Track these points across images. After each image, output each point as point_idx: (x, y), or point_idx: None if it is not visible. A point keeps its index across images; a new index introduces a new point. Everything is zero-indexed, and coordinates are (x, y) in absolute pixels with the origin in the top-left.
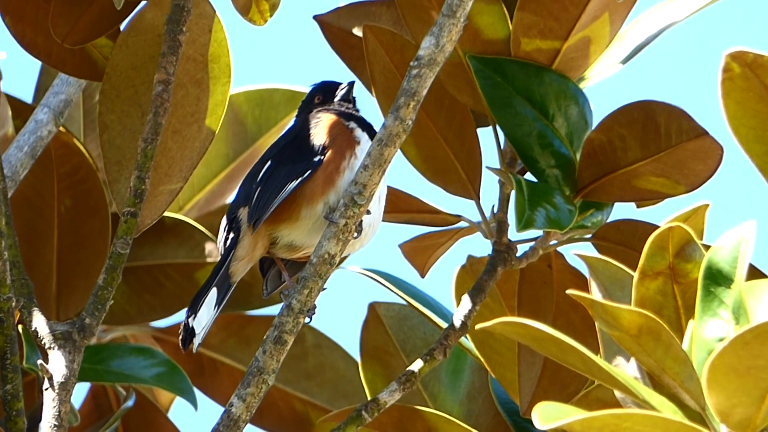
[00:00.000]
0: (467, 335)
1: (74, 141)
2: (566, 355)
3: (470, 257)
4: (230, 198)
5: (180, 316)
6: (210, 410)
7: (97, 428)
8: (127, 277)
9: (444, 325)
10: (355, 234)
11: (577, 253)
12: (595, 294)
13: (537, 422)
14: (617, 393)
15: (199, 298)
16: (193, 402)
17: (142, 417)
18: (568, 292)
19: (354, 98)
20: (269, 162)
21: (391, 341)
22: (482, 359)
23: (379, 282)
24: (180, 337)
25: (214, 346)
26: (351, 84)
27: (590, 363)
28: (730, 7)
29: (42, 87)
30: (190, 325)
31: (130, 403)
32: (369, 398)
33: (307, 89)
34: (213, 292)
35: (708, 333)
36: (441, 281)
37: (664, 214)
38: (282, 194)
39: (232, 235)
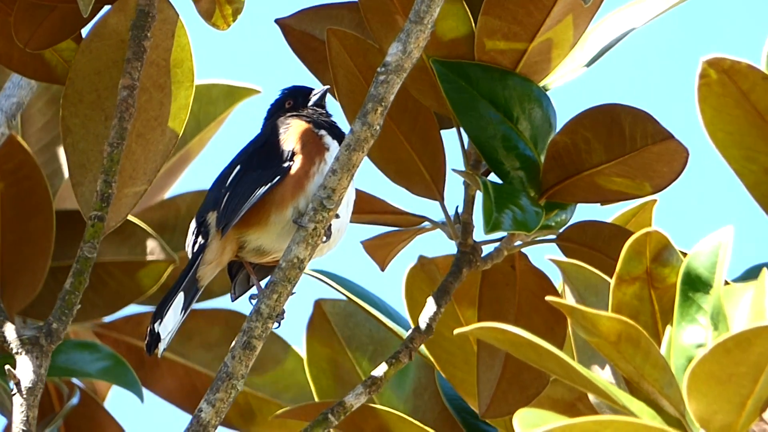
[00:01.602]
0: None
1: (18, 139)
2: (544, 360)
3: (421, 257)
4: (169, 193)
5: (122, 312)
6: (152, 405)
7: (41, 427)
8: (65, 273)
9: (390, 324)
10: (324, 238)
11: (551, 257)
12: (569, 299)
13: (518, 428)
14: (592, 398)
15: (166, 303)
16: (140, 395)
17: (83, 414)
18: (547, 298)
19: (326, 105)
20: (238, 167)
21: (336, 338)
22: (431, 358)
23: (324, 282)
24: (145, 342)
25: None
26: (325, 90)
27: (569, 369)
28: (693, 11)
29: None
30: (156, 330)
31: (75, 400)
32: (315, 395)
33: (245, 84)
34: (180, 297)
35: (686, 339)
36: (395, 281)
37: (619, 207)
38: (251, 200)
39: (200, 239)
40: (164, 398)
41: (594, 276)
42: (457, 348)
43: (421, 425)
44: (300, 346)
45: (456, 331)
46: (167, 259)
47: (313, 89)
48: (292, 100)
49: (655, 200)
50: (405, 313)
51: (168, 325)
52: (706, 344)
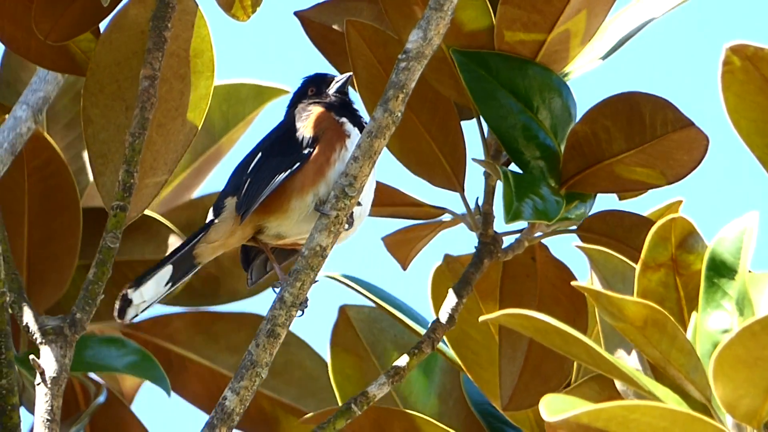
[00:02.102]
0: (444, 337)
1: (45, 135)
2: (570, 346)
3: (447, 256)
4: (197, 193)
5: (149, 313)
6: (177, 408)
7: (68, 425)
8: None
9: (416, 327)
10: (346, 226)
11: (579, 245)
12: (596, 286)
13: (544, 414)
14: (619, 385)
15: (148, 274)
16: (167, 389)
17: (109, 414)
18: (573, 284)
19: (348, 91)
20: (260, 154)
21: (361, 344)
22: (458, 359)
23: (349, 286)
24: (117, 306)
25: (182, 342)
26: (348, 77)
27: (595, 355)
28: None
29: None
30: (129, 297)
31: (101, 398)
32: (339, 401)
33: (275, 84)
34: (167, 269)
35: (712, 324)
36: (416, 281)
37: (644, 206)
38: (271, 186)
39: (210, 218)
40: (190, 401)
41: (621, 263)
42: (483, 348)
43: (446, 427)
44: (325, 352)
45: (481, 318)
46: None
47: (335, 76)
48: (315, 87)
49: (681, 200)
50: (431, 312)
51: (145, 294)
52: (731, 329)
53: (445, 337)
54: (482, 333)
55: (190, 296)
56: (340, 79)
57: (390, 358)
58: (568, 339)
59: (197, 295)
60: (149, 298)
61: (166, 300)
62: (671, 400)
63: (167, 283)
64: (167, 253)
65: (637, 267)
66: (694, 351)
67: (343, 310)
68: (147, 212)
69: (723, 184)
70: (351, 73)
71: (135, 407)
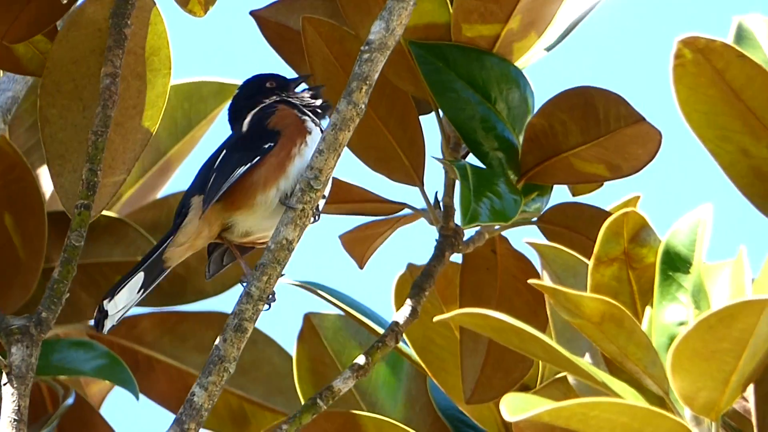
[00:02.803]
0: (407, 341)
1: (6, 140)
2: (527, 344)
3: (410, 265)
4: (162, 193)
5: None
6: (145, 408)
7: (36, 429)
8: None
9: (382, 332)
10: (312, 219)
11: (528, 241)
12: (547, 282)
13: (505, 414)
14: (572, 380)
15: (120, 283)
16: (135, 393)
17: (77, 416)
18: (531, 281)
19: (317, 91)
20: (224, 151)
21: (326, 352)
22: (423, 364)
23: (315, 293)
24: (95, 317)
25: (149, 343)
26: (305, 77)
27: (552, 351)
28: None
29: None
30: (105, 308)
31: (70, 401)
32: None
33: (236, 81)
34: (139, 277)
35: (668, 317)
36: (374, 279)
37: (600, 202)
38: (230, 179)
39: (178, 220)
40: (158, 402)
41: (571, 258)
42: (448, 353)
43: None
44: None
45: (436, 318)
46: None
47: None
48: (274, 81)
49: (639, 196)
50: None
51: (119, 303)
52: (687, 322)
53: (410, 343)
54: (446, 338)
55: (157, 296)
56: (300, 79)
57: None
58: (525, 337)
59: (164, 294)
60: (123, 307)
61: None
62: (628, 395)
63: (139, 290)
64: (134, 255)
65: (590, 262)
66: (651, 345)
67: (307, 317)
68: (113, 215)
69: (675, 177)
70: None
71: (103, 409)
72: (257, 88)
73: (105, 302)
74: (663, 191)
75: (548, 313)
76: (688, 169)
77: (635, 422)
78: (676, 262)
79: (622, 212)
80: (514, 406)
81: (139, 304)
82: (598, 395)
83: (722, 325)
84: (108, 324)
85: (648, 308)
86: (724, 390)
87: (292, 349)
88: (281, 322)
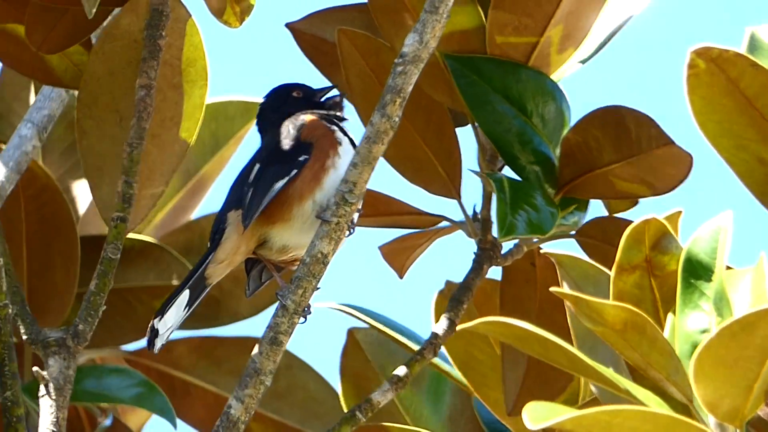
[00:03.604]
0: (449, 358)
1: (37, 164)
2: (550, 352)
3: (448, 282)
4: (194, 214)
5: None
6: None
7: None
8: None
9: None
10: (348, 232)
11: (546, 252)
12: (567, 291)
13: (527, 422)
14: (594, 389)
15: (169, 302)
16: (173, 421)
17: None
18: (551, 289)
19: (341, 103)
20: (258, 165)
21: (370, 366)
22: (465, 381)
23: (355, 316)
24: (146, 338)
25: (185, 368)
26: (331, 87)
27: (575, 359)
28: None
29: None
30: (156, 327)
31: (107, 422)
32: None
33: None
34: (185, 294)
35: (690, 325)
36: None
37: (635, 217)
38: (270, 194)
39: (216, 237)
40: (195, 427)
41: (591, 267)
42: (489, 369)
43: None
44: (329, 379)
45: (459, 327)
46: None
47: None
48: (301, 91)
49: (681, 211)
50: None
51: (168, 322)
52: (710, 330)
53: (451, 359)
54: (487, 354)
55: (192, 319)
56: (329, 92)
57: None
58: (548, 345)
59: (198, 317)
60: (172, 325)
61: None
62: (652, 403)
63: (185, 308)
64: (169, 279)
65: (612, 270)
66: (674, 352)
67: (351, 333)
68: (148, 239)
69: (692, 186)
70: (336, 87)
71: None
72: (284, 97)
73: (156, 321)
74: (682, 201)
75: (569, 322)
76: (705, 178)
77: (659, 430)
78: (697, 270)
79: (643, 220)
80: (536, 414)
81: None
82: (622, 403)
83: (744, 333)
84: (158, 343)
85: (670, 316)
86: (747, 397)
87: (332, 368)
88: (319, 342)
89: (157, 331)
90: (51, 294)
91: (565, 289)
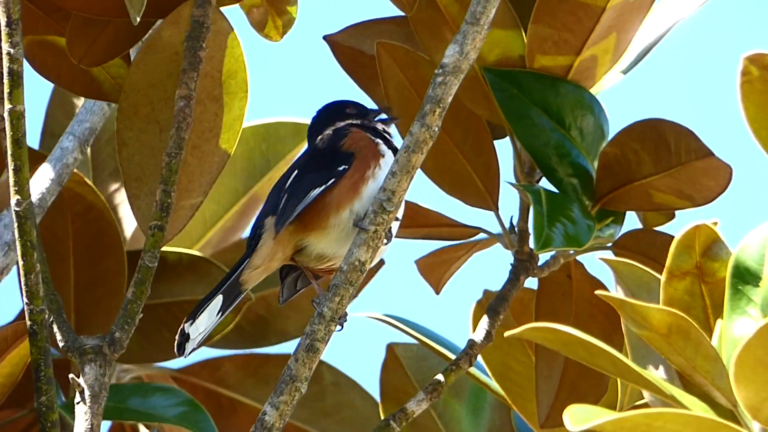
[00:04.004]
0: (486, 369)
1: (86, 180)
2: (595, 358)
3: (486, 291)
4: (244, 233)
5: (199, 354)
6: None
7: None
8: (145, 315)
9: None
10: (385, 240)
11: (603, 257)
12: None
13: (568, 424)
14: (647, 396)
15: (201, 306)
16: None
17: None
18: (597, 292)
19: (388, 123)
20: (296, 171)
21: (410, 381)
22: (502, 392)
23: (394, 326)
24: (176, 341)
25: (232, 385)
26: (390, 117)
27: (620, 365)
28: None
29: (48, 132)
30: (186, 331)
31: None
32: None
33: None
34: (218, 299)
35: (737, 331)
36: (449, 306)
37: (672, 231)
38: (306, 200)
39: (252, 242)
40: None
41: (646, 274)
42: (525, 380)
43: None
44: (368, 389)
45: (506, 334)
46: (243, 298)
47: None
48: (356, 109)
49: (717, 221)
50: None
51: (200, 326)
52: None
53: (488, 370)
54: (524, 365)
55: (240, 338)
56: (382, 115)
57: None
58: (593, 350)
59: (247, 336)
60: (204, 330)
61: (216, 343)
62: (698, 408)
63: (218, 313)
64: None
65: (663, 276)
66: (719, 357)
67: (390, 348)
68: (198, 253)
69: (744, 193)
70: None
71: None
72: (336, 112)
73: (186, 325)
74: (734, 208)
75: (623, 330)
76: (757, 183)
77: None
78: (745, 276)
79: (694, 225)
80: (577, 416)
81: (222, 345)
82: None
83: None
84: (189, 347)
85: (719, 322)
86: None
87: (370, 380)
88: (360, 354)
89: (188, 335)
90: (98, 310)
91: (619, 295)
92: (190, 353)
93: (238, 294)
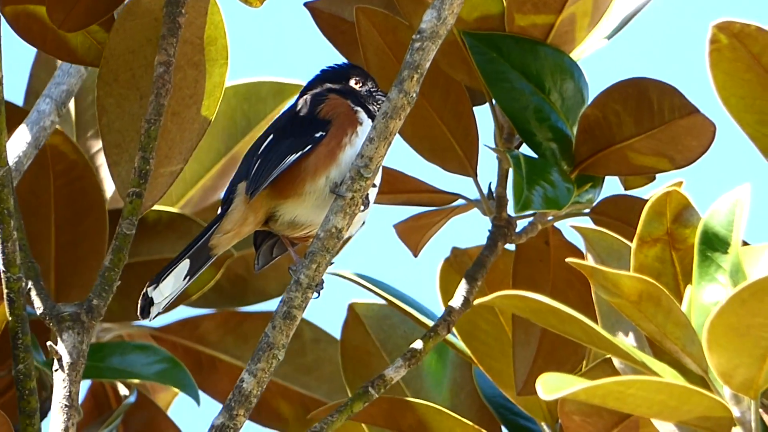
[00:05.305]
0: (455, 329)
1: (69, 139)
2: (566, 325)
3: (455, 249)
4: (224, 193)
5: (178, 313)
6: (208, 408)
7: (97, 425)
8: (125, 274)
9: (428, 322)
10: (362, 207)
11: (573, 225)
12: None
13: (541, 393)
14: (617, 362)
15: (166, 270)
16: (196, 397)
17: (142, 416)
18: (568, 260)
19: (373, 92)
20: (271, 136)
21: (371, 340)
22: (469, 351)
23: (358, 283)
24: (139, 305)
25: (211, 343)
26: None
27: (591, 332)
28: None
29: (32, 92)
30: (150, 295)
31: (132, 398)
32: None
33: (295, 81)
34: (185, 264)
35: (706, 298)
36: (426, 269)
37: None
38: (281, 166)
39: (224, 207)
40: (220, 401)
41: (616, 242)
42: (493, 339)
43: (459, 417)
44: None
45: (477, 302)
46: (225, 255)
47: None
48: (362, 80)
49: (682, 182)
50: (440, 306)
51: (164, 291)
52: None
53: (456, 331)
54: (493, 324)
55: (219, 297)
56: (369, 83)
57: (401, 354)
58: (563, 318)
59: (226, 296)
60: (169, 294)
61: (195, 302)
62: (668, 374)
63: (185, 277)
64: None
65: (633, 243)
66: (690, 324)
67: (351, 307)
68: (175, 210)
69: (714, 161)
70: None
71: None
72: (340, 76)
73: (150, 289)
74: (703, 176)
75: (593, 297)
76: (728, 154)
77: (673, 400)
78: (714, 243)
79: (665, 191)
80: (550, 384)
81: (202, 305)
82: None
83: (755, 299)
84: (154, 311)
85: (688, 288)
86: (761, 366)
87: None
88: (331, 314)
89: (152, 299)
90: (78, 268)
91: (590, 262)
92: (155, 317)
93: (207, 258)
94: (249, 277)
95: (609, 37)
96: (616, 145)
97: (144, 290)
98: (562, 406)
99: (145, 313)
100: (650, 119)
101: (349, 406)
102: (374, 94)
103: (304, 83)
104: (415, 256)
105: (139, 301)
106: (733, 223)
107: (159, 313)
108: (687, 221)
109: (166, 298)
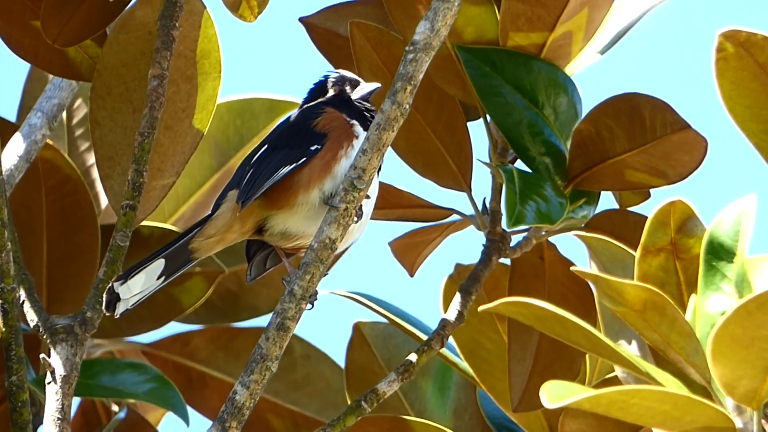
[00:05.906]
0: (456, 346)
1: (61, 153)
2: (570, 333)
3: (458, 266)
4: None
5: (169, 329)
6: (198, 425)
7: None
8: None
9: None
10: (356, 218)
11: (577, 233)
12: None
13: (545, 401)
14: (620, 372)
15: (136, 267)
16: (185, 418)
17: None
18: (573, 269)
19: (370, 100)
20: (265, 146)
21: (376, 360)
22: (471, 370)
23: (362, 303)
24: (105, 299)
25: (202, 359)
26: (375, 89)
27: (595, 340)
28: None
29: (25, 107)
30: (116, 290)
31: (122, 414)
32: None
33: (287, 97)
34: (159, 263)
35: (711, 307)
36: (424, 288)
37: (646, 212)
38: (274, 177)
39: (210, 212)
40: (211, 418)
41: (620, 251)
42: (496, 358)
43: None
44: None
45: (480, 308)
46: (216, 271)
47: (359, 80)
48: (339, 87)
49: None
50: None
51: (133, 288)
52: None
53: (458, 347)
54: (495, 342)
55: (210, 313)
56: (366, 87)
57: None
58: (568, 325)
59: (217, 311)
60: (139, 292)
61: (186, 318)
62: (671, 384)
63: (159, 277)
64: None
65: (637, 252)
66: (694, 333)
67: (357, 326)
68: (167, 226)
69: (720, 170)
70: (380, 85)
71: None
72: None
73: (116, 284)
74: (708, 184)
75: (597, 307)
76: (734, 163)
77: (676, 410)
78: (719, 253)
79: (669, 201)
80: (554, 393)
81: (193, 321)
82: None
83: (761, 312)
84: (121, 307)
85: (693, 298)
86: (765, 378)
87: (339, 359)
88: (331, 333)
89: (118, 294)
90: (70, 283)
91: (594, 271)
92: (122, 313)
93: (187, 261)
94: (240, 293)
95: (602, 52)
96: (609, 160)
97: (110, 284)
98: (563, 426)
99: (111, 308)
100: (642, 135)
101: (342, 420)
102: (357, 90)
103: (297, 100)
104: (411, 275)
105: (105, 295)
106: (738, 233)
107: (126, 310)
108: (691, 231)
109: (136, 295)
